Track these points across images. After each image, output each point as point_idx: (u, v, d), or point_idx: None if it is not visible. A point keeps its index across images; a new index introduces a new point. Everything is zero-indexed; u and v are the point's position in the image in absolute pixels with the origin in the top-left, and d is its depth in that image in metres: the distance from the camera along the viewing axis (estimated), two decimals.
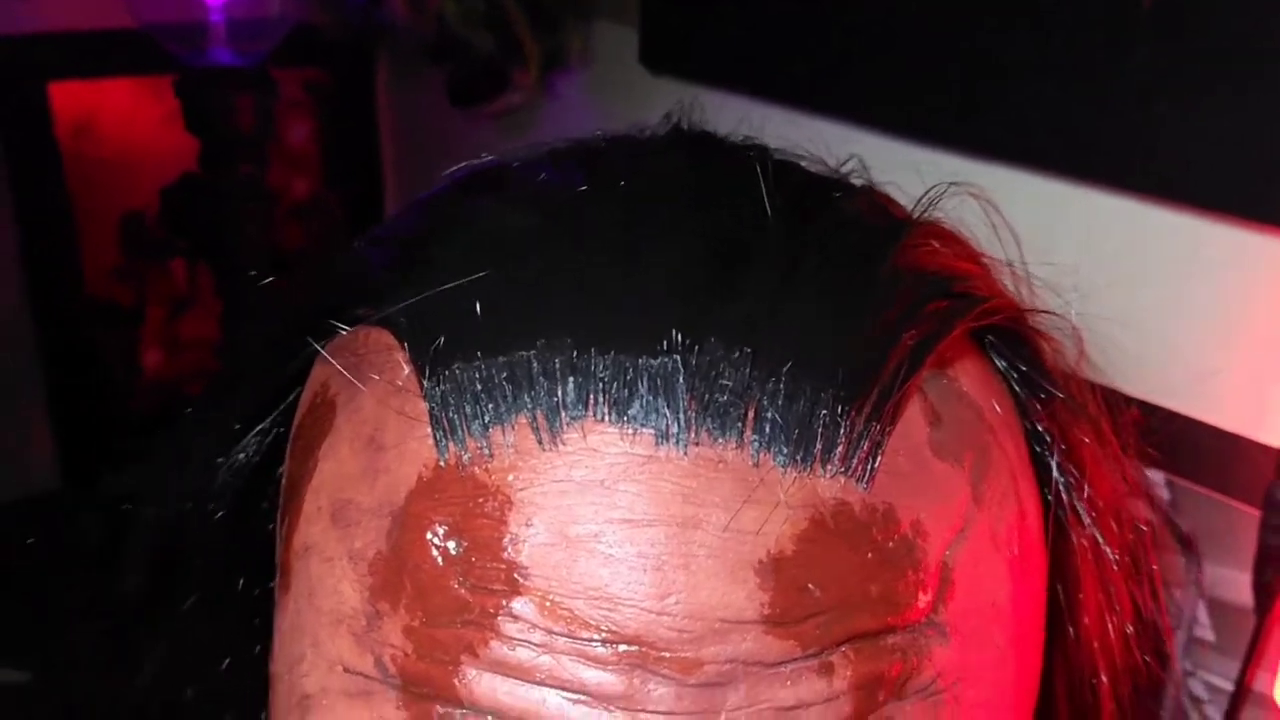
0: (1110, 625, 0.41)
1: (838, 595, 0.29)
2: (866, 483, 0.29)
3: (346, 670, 0.31)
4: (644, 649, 0.28)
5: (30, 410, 1.31)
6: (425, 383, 0.30)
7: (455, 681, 0.29)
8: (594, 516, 0.28)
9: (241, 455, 0.40)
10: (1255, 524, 0.62)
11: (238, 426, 0.40)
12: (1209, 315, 0.64)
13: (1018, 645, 0.34)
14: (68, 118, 1.27)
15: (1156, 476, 0.68)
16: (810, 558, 0.29)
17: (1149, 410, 0.67)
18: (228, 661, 0.44)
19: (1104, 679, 0.42)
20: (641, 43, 1.00)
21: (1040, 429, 0.38)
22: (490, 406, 0.30)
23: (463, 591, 0.29)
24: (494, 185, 0.36)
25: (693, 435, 0.29)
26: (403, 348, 0.32)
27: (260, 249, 1.06)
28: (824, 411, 0.29)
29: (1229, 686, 0.66)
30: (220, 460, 0.40)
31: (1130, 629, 0.41)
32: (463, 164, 0.39)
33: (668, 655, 0.28)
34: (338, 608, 0.31)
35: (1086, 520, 0.39)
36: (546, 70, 1.06)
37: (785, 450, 0.29)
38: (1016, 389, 0.38)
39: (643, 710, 0.28)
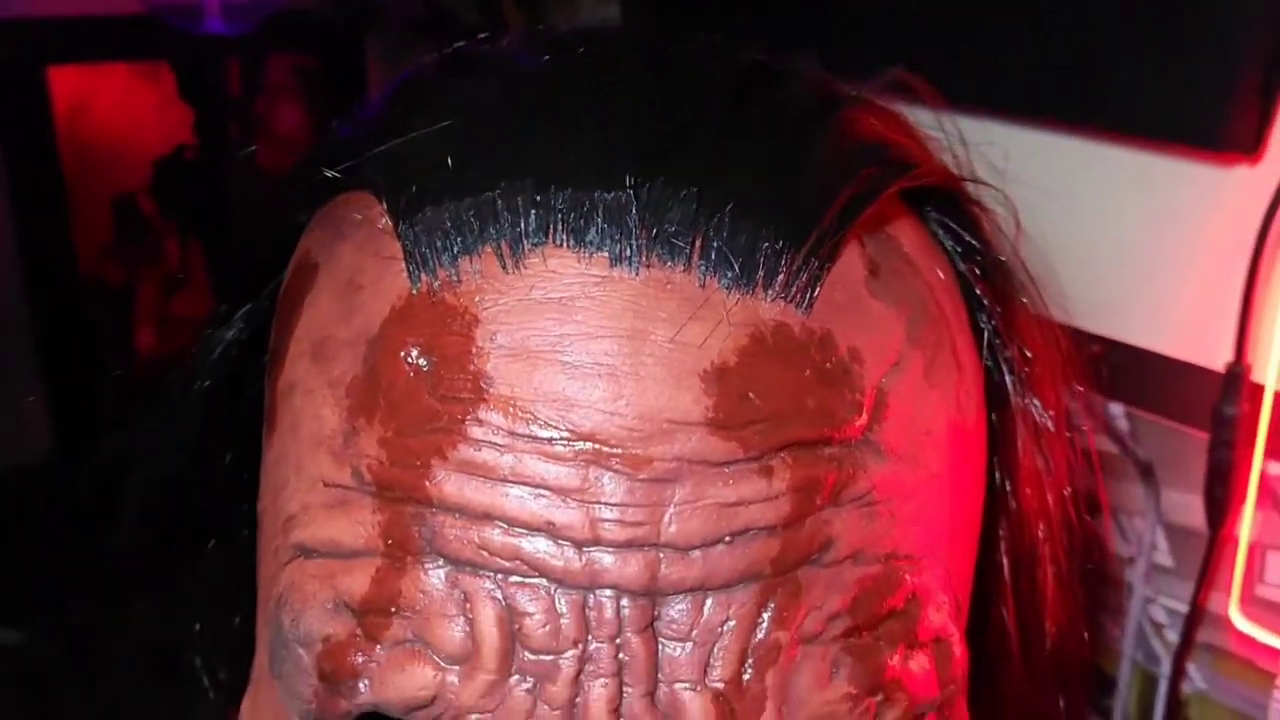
0: (1048, 490, 0.44)
1: (777, 405, 0.31)
2: (806, 309, 0.32)
3: (326, 485, 0.33)
4: (598, 446, 0.30)
5: (25, 389, 1.33)
6: (400, 225, 0.33)
7: (425, 483, 0.31)
8: (553, 330, 0.31)
9: (230, 332, 0.43)
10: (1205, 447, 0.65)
11: (225, 309, 0.43)
12: (1161, 247, 0.67)
13: (954, 474, 0.36)
14: (65, 101, 1.30)
15: (1116, 409, 0.71)
16: (751, 370, 0.31)
17: (1106, 344, 0.69)
18: (217, 616, 0.47)
19: (1042, 541, 0.44)
20: (623, 19, 1.03)
21: (978, 292, 0.40)
22: (459, 239, 0.32)
23: (433, 401, 0.31)
24: (466, 63, 0.39)
25: (644, 259, 0.31)
26: (380, 202, 0.34)
27: (252, 227, 1.08)
28: (765, 244, 0.32)
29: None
30: (209, 332, 0.42)
31: (1067, 491, 0.44)
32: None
33: (620, 452, 0.30)
34: (318, 431, 0.34)
35: (1023, 388, 0.42)
36: None
37: (729, 275, 0.31)
38: (957, 260, 0.40)
39: (596, 502, 0.30)
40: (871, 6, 0.75)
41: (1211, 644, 0.69)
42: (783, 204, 0.32)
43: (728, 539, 0.31)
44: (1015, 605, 0.44)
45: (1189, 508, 0.68)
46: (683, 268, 0.31)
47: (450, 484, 0.31)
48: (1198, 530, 0.67)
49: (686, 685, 0.31)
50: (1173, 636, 0.70)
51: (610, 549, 0.30)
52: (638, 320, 0.31)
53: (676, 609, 0.31)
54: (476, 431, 0.31)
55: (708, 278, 0.31)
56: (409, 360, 0.32)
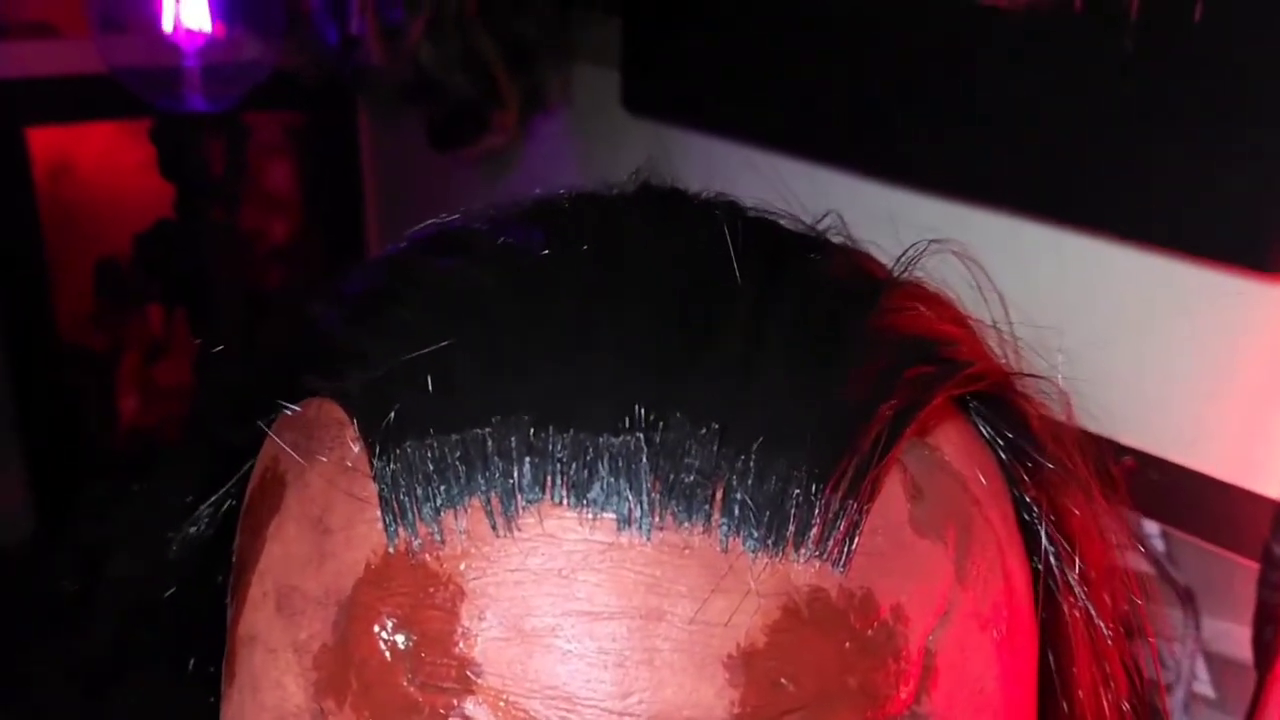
0: (1105, 701, 0.39)
1: (813, 689, 0.27)
2: (843, 566, 0.28)
3: None
4: None
5: (5, 457, 1.29)
6: (375, 462, 0.28)
7: None
8: (551, 609, 0.27)
9: (193, 529, 0.38)
10: (1253, 576, 0.60)
11: (189, 500, 0.38)
12: (1202, 364, 0.63)
13: (1008, 714, 0.32)
14: (45, 162, 1.26)
15: (1152, 528, 0.67)
16: (783, 650, 0.27)
17: (1143, 460, 0.65)
18: None
19: None
20: (623, 85, 0.99)
21: (1028, 498, 0.36)
22: (442, 489, 0.28)
23: (412, 690, 0.27)
24: (456, 245, 0.35)
25: (657, 519, 0.27)
26: (352, 424, 0.30)
27: (236, 294, 1.05)
28: (797, 490, 0.27)
29: None
30: (171, 535, 0.38)
31: (1126, 706, 0.39)
32: (427, 222, 0.37)
33: None
34: (281, 704, 0.29)
35: (1078, 591, 0.38)
36: (527, 112, 1.05)
37: (755, 534, 0.27)
38: (1002, 456, 0.36)
39: None
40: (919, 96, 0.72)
41: None
42: (815, 430, 0.28)
43: None
44: None
45: (1232, 637, 0.64)
46: (702, 527, 0.27)
47: None
48: (1239, 660, 0.63)
49: None
50: None
51: None
52: (651, 596, 0.27)
53: None
54: None
55: (730, 539, 0.27)
56: (384, 636, 0.27)
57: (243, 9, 0.89)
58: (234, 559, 0.35)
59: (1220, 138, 0.55)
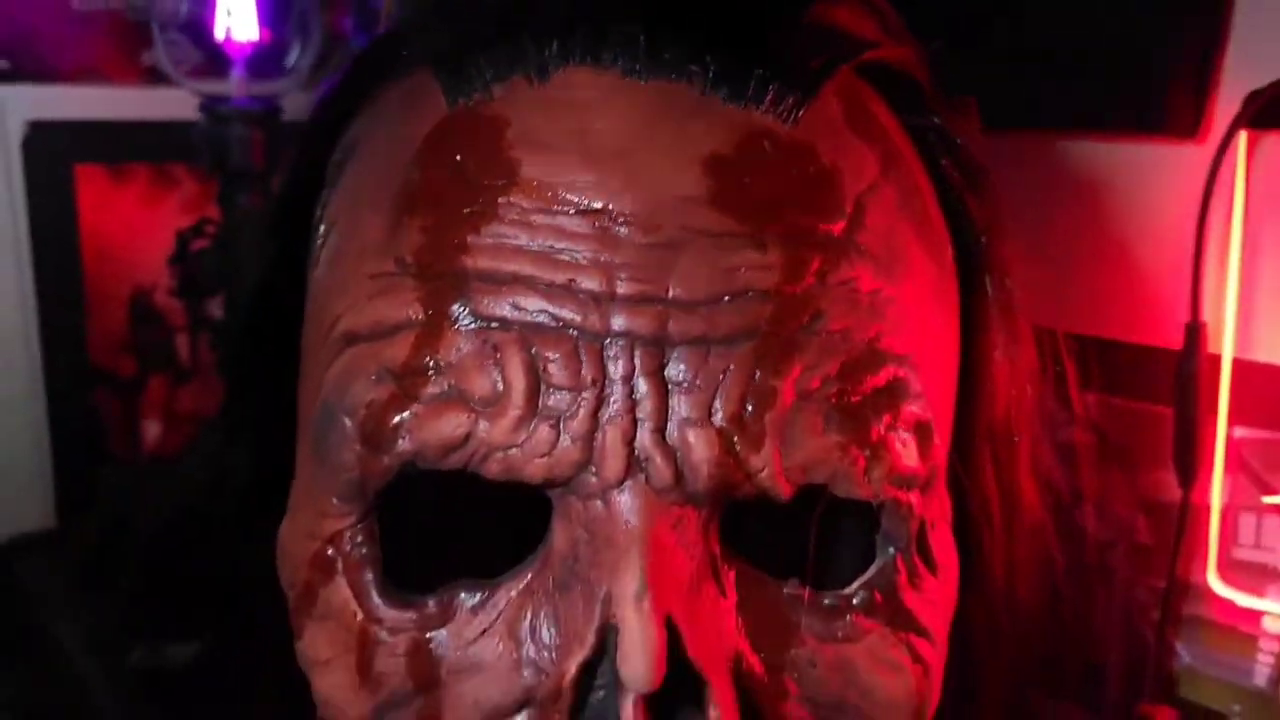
0: (1019, 367, 0.47)
1: (768, 193, 0.36)
2: (792, 123, 0.37)
3: (371, 278, 0.37)
4: (613, 217, 0.35)
5: (35, 473, 1.36)
6: (440, 71, 0.38)
7: (461, 257, 0.36)
8: (573, 125, 0.36)
9: (277, 242, 0.47)
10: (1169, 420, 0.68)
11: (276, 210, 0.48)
12: (1106, 234, 0.72)
13: (931, 305, 0.40)
14: (90, 198, 1.37)
15: (1088, 399, 0.75)
16: (747, 161, 0.36)
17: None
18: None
19: (1016, 415, 0.47)
20: None
21: (945, 173, 0.45)
22: (491, 70, 0.38)
23: (468, 192, 0.36)
24: None
25: (652, 75, 0.37)
26: (425, 64, 0.40)
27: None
28: (758, 71, 0.37)
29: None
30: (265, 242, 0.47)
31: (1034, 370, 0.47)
32: None
33: (632, 222, 0.35)
34: (364, 237, 0.38)
35: (988, 266, 0.46)
36: None
37: (725, 90, 0.37)
38: (924, 147, 0.45)
39: (612, 263, 0.35)
40: None
41: (1195, 616, 0.71)
42: (773, 49, 0.38)
43: (728, 298, 0.35)
44: (995, 471, 0.47)
45: (1164, 484, 0.71)
46: (686, 83, 0.37)
47: (484, 256, 0.35)
48: (1172, 503, 0.70)
49: (692, 423, 0.34)
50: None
51: (624, 303, 0.34)
52: (647, 117, 0.36)
53: (683, 358, 0.35)
54: (507, 211, 0.36)
55: (709, 91, 0.37)
56: (447, 162, 0.37)
57: (287, 17, 1.02)
58: (321, 201, 0.44)
59: (1126, 21, 0.65)
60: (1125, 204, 0.70)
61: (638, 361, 0.34)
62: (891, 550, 0.39)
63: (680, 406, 0.34)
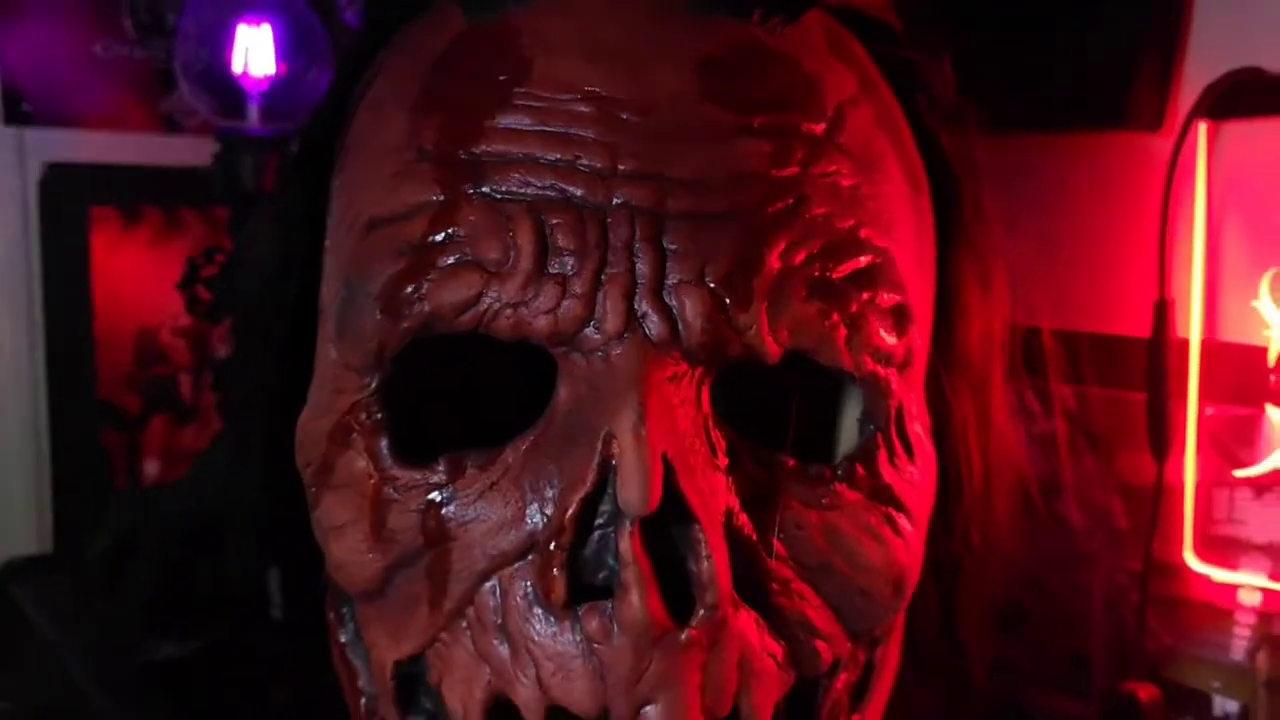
0: (993, 314, 0.51)
1: (755, 91, 0.40)
2: (780, 32, 0.41)
3: (392, 173, 0.41)
4: (616, 104, 0.39)
5: (36, 505, 1.38)
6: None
7: (478, 142, 0.39)
8: (579, 34, 0.40)
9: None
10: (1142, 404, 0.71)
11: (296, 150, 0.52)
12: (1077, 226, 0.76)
13: (909, 215, 0.44)
14: (103, 239, 1.42)
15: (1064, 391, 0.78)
16: (736, 64, 0.40)
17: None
18: None
19: (991, 362, 0.50)
20: None
21: (923, 124, 0.48)
22: None
23: (482, 88, 0.40)
24: None
25: None
26: None
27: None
28: None
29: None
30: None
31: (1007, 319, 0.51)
32: None
33: (634, 110, 0.39)
34: (386, 138, 0.42)
35: (961, 210, 0.49)
36: None
37: (722, 6, 0.41)
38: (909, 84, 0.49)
39: (615, 143, 0.38)
40: None
41: (1174, 596, 0.73)
42: None
43: (720, 179, 0.38)
44: (970, 395, 0.50)
45: (1139, 467, 0.74)
46: (684, 2, 0.41)
47: (498, 140, 0.39)
48: (1147, 487, 0.73)
49: (686, 283, 0.38)
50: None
51: (625, 178, 0.38)
52: (648, 26, 0.41)
53: (678, 229, 0.38)
54: (520, 100, 0.39)
55: (705, 9, 0.41)
56: (465, 65, 0.41)
57: (301, 50, 1.07)
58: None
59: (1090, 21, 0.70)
60: (1092, 197, 0.74)
61: (637, 229, 0.38)
62: (872, 428, 0.42)
63: (675, 270, 0.38)
